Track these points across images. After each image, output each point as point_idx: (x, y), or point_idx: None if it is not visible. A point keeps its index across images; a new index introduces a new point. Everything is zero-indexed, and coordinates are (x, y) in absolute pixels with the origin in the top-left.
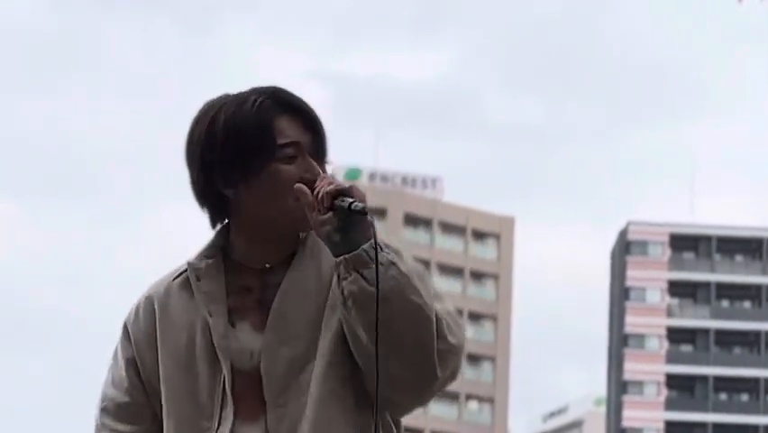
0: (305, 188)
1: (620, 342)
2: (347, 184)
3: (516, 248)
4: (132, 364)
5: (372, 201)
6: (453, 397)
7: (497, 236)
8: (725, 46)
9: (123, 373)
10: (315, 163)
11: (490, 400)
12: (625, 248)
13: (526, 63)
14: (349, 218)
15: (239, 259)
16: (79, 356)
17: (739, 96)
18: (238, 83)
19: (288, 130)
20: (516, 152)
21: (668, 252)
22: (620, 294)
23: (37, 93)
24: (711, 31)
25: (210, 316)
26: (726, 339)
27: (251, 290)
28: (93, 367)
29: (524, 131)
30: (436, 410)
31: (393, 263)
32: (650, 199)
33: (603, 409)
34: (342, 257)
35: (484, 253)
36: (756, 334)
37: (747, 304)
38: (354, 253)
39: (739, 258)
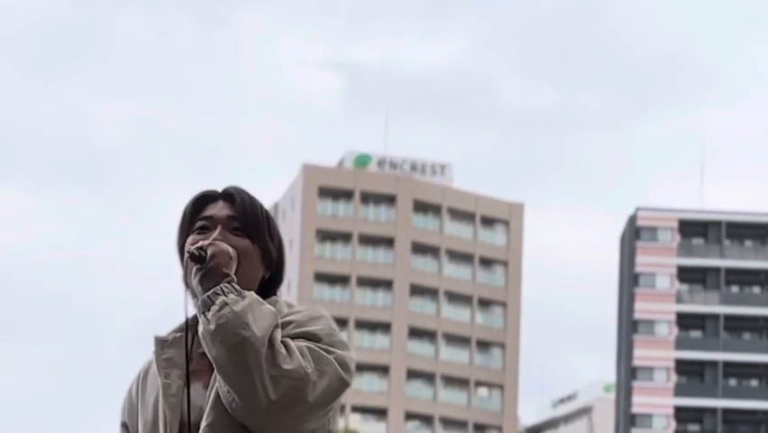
0: (185, 252)
1: (629, 328)
2: (205, 242)
3: (525, 234)
4: (125, 428)
5: (381, 188)
6: (463, 383)
7: (506, 223)
8: (736, 32)
9: None
10: (221, 232)
11: (500, 387)
12: (634, 234)
13: (539, 50)
14: (202, 270)
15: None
16: (92, 345)
17: (750, 82)
18: (251, 72)
19: (209, 210)
20: (526, 139)
21: (677, 237)
22: (629, 280)
23: (52, 82)
24: (723, 17)
25: (166, 379)
26: (736, 325)
27: (205, 354)
28: (105, 355)
29: (534, 118)
30: (445, 396)
31: (226, 304)
32: (660, 186)
33: (612, 395)
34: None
35: (493, 240)
36: (766, 319)
37: (757, 289)
38: (201, 299)
39: (749, 244)
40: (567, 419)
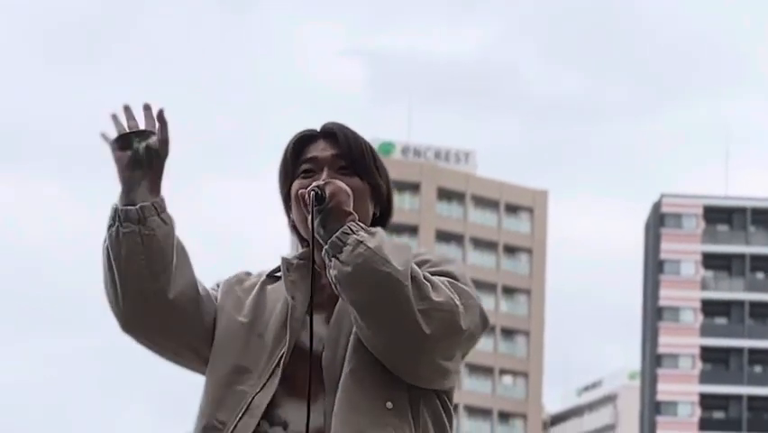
0: (298, 197)
1: (654, 315)
2: (321, 182)
3: (549, 222)
4: (212, 304)
5: (405, 176)
6: (487, 371)
7: (530, 210)
8: (762, 19)
9: (207, 294)
10: (328, 173)
11: (524, 375)
12: (659, 221)
13: (565, 38)
14: (323, 212)
15: (318, 264)
16: (116, 336)
17: None
18: (276, 60)
19: (311, 151)
20: (551, 126)
21: (702, 224)
22: (654, 267)
23: (77, 69)
24: (749, 4)
25: (292, 299)
26: (761, 311)
27: (325, 287)
28: (128, 347)
29: (559, 106)
30: (470, 385)
31: (360, 242)
32: (685, 172)
33: (637, 382)
34: (324, 249)
35: (518, 227)
36: None
37: None
38: (330, 241)
39: None
40: (592, 406)
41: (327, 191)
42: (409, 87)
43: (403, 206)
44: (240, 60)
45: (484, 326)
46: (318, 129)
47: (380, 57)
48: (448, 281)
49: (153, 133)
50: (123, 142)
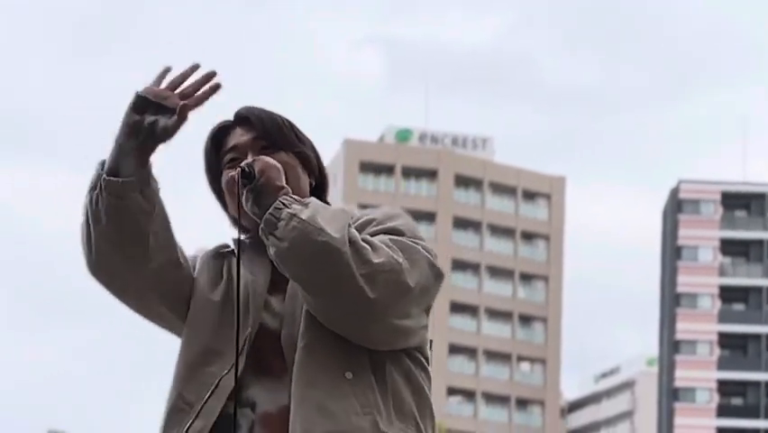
0: (228, 181)
1: (672, 301)
2: (249, 160)
3: (567, 208)
4: (191, 274)
5: (423, 162)
6: (505, 358)
7: (548, 196)
8: None
9: (187, 264)
10: (253, 156)
11: (542, 361)
12: (676, 207)
13: (581, 27)
14: (255, 190)
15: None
16: (130, 327)
17: None
18: (294, 48)
19: (230, 141)
20: (568, 112)
21: (720, 210)
22: (672, 253)
23: (93, 62)
24: None
25: (252, 276)
26: None
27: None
28: (143, 339)
29: (576, 93)
30: (487, 371)
31: (294, 215)
32: (702, 158)
33: (655, 369)
34: (260, 227)
35: (535, 214)
36: None
37: None
38: (264, 218)
39: None
40: (609, 393)
41: (256, 168)
42: (426, 74)
43: (420, 192)
44: (257, 50)
45: (436, 276)
46: (232, 119)
47: (398, 45)
48: (390, 239)
49: (171, 115)
50: (142, 103)
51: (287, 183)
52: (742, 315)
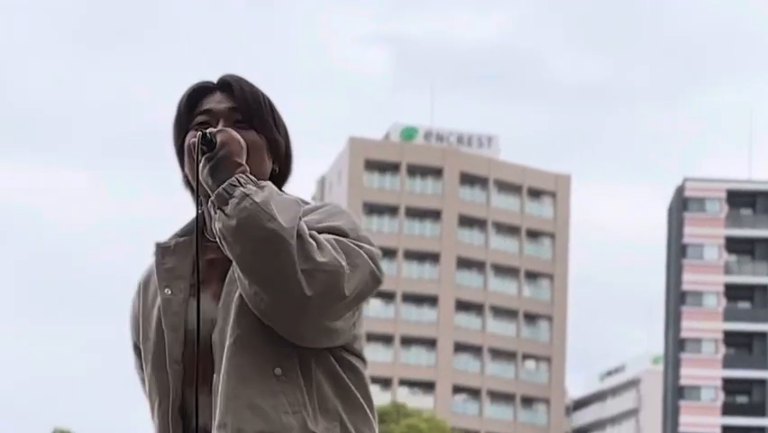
0: (190, 145)
1: (678, 299)
2: (213, 129)
3: (572, 206)
4: (137, 350)
5: (428, 160)
6: (510, 356)
7: (553, 194)
8: None
9: (134, 360)
10: (224, 126)
11: (547, 359)
12: (682, 205)
13: (587, 24)
14: (212, 160)
15: (207, 234)
16: None
17: None
18: (300, 45)
19: (206, 103)
20: (573, 110)
21: (725, 208)
22: (677, 251)
23: (106, 58)
24: None
25: (169, 292)
26: None
27: (215, 262)
28: None
29: (581, 90)
30: (493, 369)
31: (247, 195)
32: (708, 156)
33: (661, 367)
34: (209, 199)
35: (540, 212)
36: None
37: None
38: (216, 192)
39: None
40: (615, 391)
41: (219, 139)
42: (432, 72)
43: (425, 190)
44: (263, 47)
45: (375, 283)
46: (215, 81)
47: (403, 43)
48: (335, 239)
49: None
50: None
51: (247, 163)
52: (747, 313)
